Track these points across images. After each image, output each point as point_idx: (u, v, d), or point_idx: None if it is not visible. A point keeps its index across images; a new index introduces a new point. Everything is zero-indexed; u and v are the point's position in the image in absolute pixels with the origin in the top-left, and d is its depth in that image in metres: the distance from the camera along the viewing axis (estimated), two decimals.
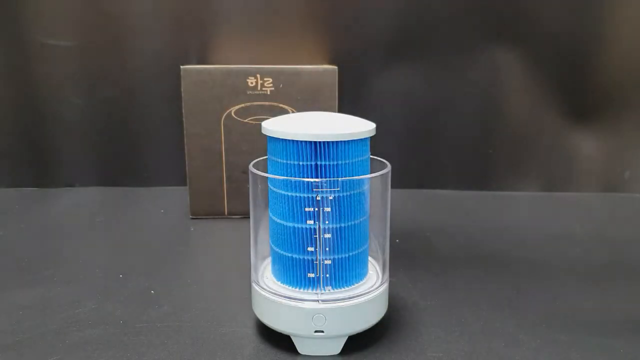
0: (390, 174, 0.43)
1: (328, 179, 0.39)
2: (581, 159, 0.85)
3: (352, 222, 0.41)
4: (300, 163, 0.39)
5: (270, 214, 0.42)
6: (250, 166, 0.42)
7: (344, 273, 0.41)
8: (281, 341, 0.42)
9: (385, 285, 0.43)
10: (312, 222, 0.39)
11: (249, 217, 0.43)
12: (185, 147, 0.71)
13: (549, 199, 0.84)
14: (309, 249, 0.40)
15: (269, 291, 0.41)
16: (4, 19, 0.79)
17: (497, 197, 0.84)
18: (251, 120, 0.70)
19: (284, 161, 0.40)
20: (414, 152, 0.85)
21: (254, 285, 0.43)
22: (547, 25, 0.80)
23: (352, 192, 0.40)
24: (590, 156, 0.85)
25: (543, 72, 0.82)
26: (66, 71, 0.81)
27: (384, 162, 0.43)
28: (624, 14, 0.79)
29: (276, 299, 0.40)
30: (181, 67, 0.69)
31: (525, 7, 0.79)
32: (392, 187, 0.44)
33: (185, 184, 0.74)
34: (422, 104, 0.83)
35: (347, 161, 0.39)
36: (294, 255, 0.40)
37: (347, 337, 0.41)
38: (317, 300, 0.40)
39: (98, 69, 0.81)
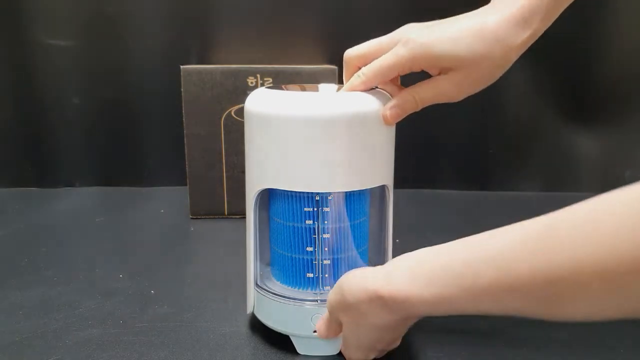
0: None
1: None
2: (581, 159, 0.85)
3: (352, 222, 0.40)
4: None
5: (270, 214, 0.42)
6: None
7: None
8: (280, 341, 0.42)
9: None
10: (311, 221, 0.39)
11: None
12: (185, 147, 0.71)
13: (549, 199, 0.83)
14: (308, 248, 0.40)
15: (268, 291, 0.41)
16: (4, 18, 0.79)
17: (497, 197, 0.84)
18: None
19: None
20: (414, 152, 0.85)
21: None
22: None
23: (351, 192, 0.40)
24: (590, 156, 0.85)
25: (543, 72, 0.82)
26: (66, 71, 0.81)
27: None
28: (625, 15, 0.79)
29: (275, 299, 0.40)
30: (181, 67, 0.69)
31: None
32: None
33: (185, 184, 0.74)
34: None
35: None
36: (293, 255, 0.40)
37: None
38: (317, 300, 0.40)
39: (98, 69, 0.81)
